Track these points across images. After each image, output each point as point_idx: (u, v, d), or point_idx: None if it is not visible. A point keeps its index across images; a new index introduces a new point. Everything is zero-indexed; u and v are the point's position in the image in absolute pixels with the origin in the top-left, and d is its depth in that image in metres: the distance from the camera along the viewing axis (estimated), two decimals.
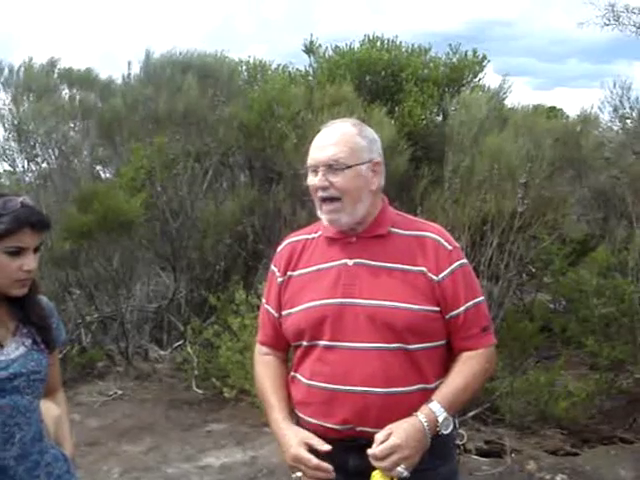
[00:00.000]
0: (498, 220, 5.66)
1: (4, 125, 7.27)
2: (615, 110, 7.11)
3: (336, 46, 7.96)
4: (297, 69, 8.16)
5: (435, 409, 2.08)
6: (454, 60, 7.76)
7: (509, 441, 5.02)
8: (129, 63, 7.89)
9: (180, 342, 6.77)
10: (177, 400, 6.08)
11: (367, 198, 2.18)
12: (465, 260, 2.24)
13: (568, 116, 8.12)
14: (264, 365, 2.36)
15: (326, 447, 2.11)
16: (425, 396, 2.12)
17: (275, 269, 2.33)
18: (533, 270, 6.93)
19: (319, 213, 2.22)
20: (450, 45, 7.84)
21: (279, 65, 8.38)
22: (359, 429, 2.13)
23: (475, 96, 6.68)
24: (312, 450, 2.12)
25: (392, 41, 7.87)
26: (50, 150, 7.39)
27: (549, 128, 6.33)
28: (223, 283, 6.93)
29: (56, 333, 2.19)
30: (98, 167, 8.20)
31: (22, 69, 7.56)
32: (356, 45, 7.84)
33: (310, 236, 2.31)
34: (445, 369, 2.19)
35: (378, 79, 7.49)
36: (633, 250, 5.77)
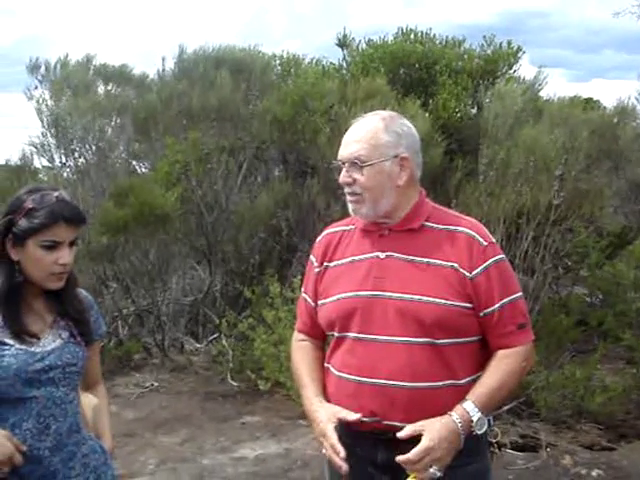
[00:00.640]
0: (534, 213, 5.61)
1: (42, 121, 7.38)
2: None
3: (369, 39, 7.97)
4: (330, 63, 8.17)
5: (469, 409, 2.06)
6: (488, 52, 7.71)
7: (544, 435, 4.97)
8: (163, 59, 8.01)
9: (215, 335, 6.81)
10: (212, 392, 6.13)
11: (391, 193, 2.17)
12: (502, 255, 2.20)
13: (605, 107, 8.00)
14: (300, 349, 2.40)
15: (355, 416, 2.11)
16: (455, 392, 2.10)
17: (313, 259, 2.36)
18: (569, 263, 6.86)
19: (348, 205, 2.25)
20: (484, 37, 7.80)
21: (312, 59, 8.41)
22: (386, 422, 2.12)
23: (510, 88, 6.61)
24: (346, 447, 2.09)
25: (425, 33, 7.85)
26: (87, 145, 7.48)
27: (585, 120, 6.26)
28: (258, 276, 6.95)
29: (94, 326, 2.21)
30: (134, 162, 8.29)
31: (59, 66, 7.67)
32: (389, 38, 7.84)
33: (347, 228, 2.32)
34: (479, 366, 2.16)
35: (412, 72, 7.46)
36: None
